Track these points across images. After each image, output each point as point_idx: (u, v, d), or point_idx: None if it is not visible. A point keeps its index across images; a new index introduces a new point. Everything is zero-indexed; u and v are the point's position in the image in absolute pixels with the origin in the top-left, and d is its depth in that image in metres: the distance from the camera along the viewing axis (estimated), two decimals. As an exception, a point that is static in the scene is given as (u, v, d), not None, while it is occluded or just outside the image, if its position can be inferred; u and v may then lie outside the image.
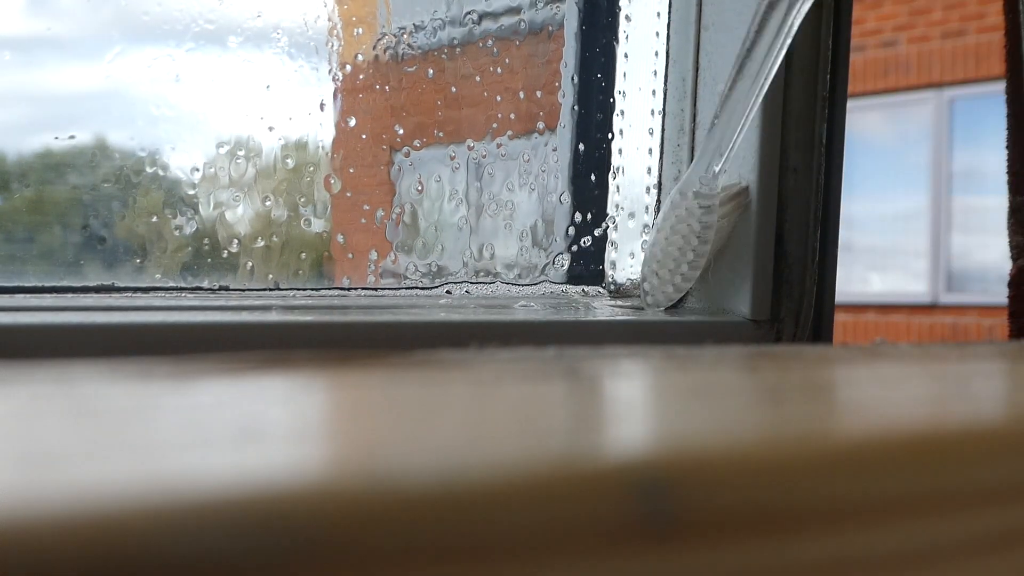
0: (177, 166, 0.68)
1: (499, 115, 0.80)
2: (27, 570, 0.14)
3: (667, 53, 0.83)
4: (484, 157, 0.80)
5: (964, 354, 0.48)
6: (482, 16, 0.78)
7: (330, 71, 0.73)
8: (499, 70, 0.80)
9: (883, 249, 6.02)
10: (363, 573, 0.16)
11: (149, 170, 0.67)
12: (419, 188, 0.78)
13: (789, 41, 0.72)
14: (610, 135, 0.84)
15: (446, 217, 0.79)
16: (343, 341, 0.62)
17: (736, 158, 0.77)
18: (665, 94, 0.83)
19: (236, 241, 0.69)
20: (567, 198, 0.83)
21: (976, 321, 5.42)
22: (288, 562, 0.15)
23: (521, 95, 0.81)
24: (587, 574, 0.18)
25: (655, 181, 0.84)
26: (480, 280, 0.79)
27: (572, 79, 0.84)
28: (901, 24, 5.78)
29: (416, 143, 0.77)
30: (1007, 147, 0.80)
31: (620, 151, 0.84)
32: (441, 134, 0.79)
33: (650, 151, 0.84)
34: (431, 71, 0.78)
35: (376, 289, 0.75)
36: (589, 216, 0.83)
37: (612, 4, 0.85)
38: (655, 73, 0.83)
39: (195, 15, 0.67)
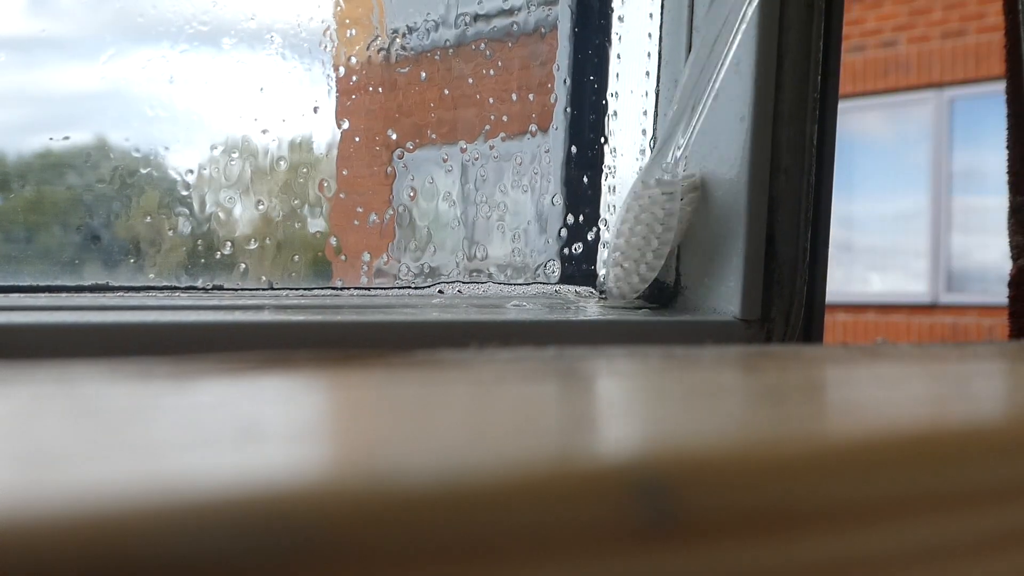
0: (172, 167, 0.68)
1: (492, 117, 0.80)
2: (27, 570, 0.14)
3: (659, 54, 0.83)
4: (477, 159, 0.80)
5: (964, 354, 0.48)
6: (475, 18, 0.78)
7: (323, 73, 0.73)
8: (492, 72, 0.80)
9: (883, 249, 6.02)
10: (363, 572, 0.16)
11: (144, 171, 0.67)
12: (412, 189, 0.78)
13: (744, 27, 0.73)
14: (603, 136, 0.84)
15: (439, 218, 0.79)
16: (336, 341, 0.62)
17: (726, 158, 0.77)
18: (657, 95, 0.83)
19: (230, 243, 0.69)
20: (559, 199, 0.83)
21: (976, 321, 5.42)
22: (288, 562, 0.15)
23: (514, 97, 0.81)
24: (586, 574, 0.18)
25: (648, 182, 0.84)
26: (473, 280, 0.79)
27: (565, 81, 0.84)
28: (901, 24, 5.78)
29: (409, 145, 0.77)
30: (1007, 147, 0.80)
31: (613, 152, 0.85)
32: (434, 136, 0.79)
33: (643, 152, 0.84)
34: (424, 73, 0.78)
35: (368, 289, 0.75)
36: (582, 217, 0.83)
37: (605, 6, 0.85)
38: (647, 74, 0.83)
39: (189, 16, 0.66)
